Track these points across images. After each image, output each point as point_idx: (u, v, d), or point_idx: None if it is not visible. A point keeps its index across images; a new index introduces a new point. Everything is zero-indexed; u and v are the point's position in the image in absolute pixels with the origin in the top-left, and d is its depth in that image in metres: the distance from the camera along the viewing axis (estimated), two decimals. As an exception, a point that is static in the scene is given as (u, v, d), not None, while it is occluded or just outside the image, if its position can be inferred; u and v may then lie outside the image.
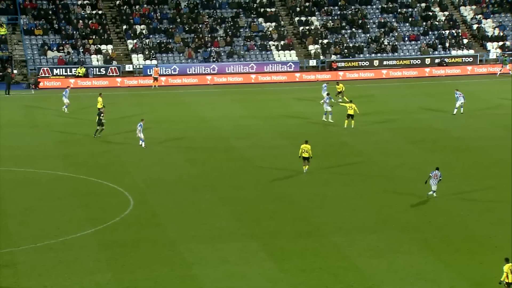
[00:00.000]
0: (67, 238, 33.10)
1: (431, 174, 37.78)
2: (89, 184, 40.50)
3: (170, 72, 69.47)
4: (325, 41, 73.75)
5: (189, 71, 70.05)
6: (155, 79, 66.56)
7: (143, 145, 46.67)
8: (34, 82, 66.36)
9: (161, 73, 68.25)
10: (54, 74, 67.69)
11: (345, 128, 50.88)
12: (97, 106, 52.77)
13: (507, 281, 27.07)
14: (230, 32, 73.62)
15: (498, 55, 73.25)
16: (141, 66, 69.70)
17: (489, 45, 74.57)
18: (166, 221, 35.40)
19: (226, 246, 32.44)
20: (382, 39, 74.13)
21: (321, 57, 72.41)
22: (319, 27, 75.37)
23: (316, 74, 69.87)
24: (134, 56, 70.93)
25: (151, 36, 72.77)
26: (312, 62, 71.93)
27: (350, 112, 50.24)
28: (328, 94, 54.73)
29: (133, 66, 69.93)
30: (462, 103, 54.62)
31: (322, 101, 54.28)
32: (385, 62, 71.97)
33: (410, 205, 37.17)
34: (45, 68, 67.85)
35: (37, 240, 32.85)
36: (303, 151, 41.37)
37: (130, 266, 30.44)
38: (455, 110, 54.85)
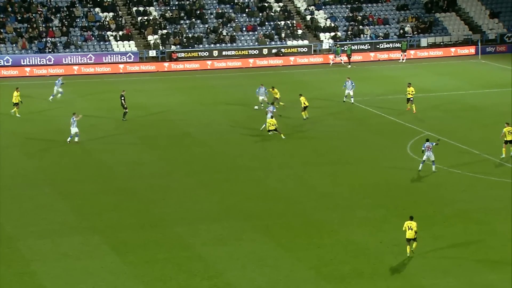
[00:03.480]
0: None
1: (423, 148, 39.98)
2: None
3: (3, 64, 66.73)
4: (164, 31, 73.52)
5: (24, 62, 67.60)
6: (-13, 70, 63.83)
7: (76, 139, 45.36)
8: None
9: (-6, 64, 65.60)
10: None
11: (304, 119, 51.14)
12: (13, 100, 51.55)
13: (406, 237, 29.67)
14: (66, 22, 71.70)
15: (330, 45, 75.97)
16: (-29, 57, 66.55)
17: (322, 35, 77.17)
18: (2, 217, 34.10)
19: (66, 240, 31.74)
20: (221, 30, 74.85)
21: (161, 47, 72.12)
22: (157, 17, 74.97)
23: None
24: (-37, 46, 67.61)
25: (-19, 25, 69.61)
26: (152, 53, 71.49)
27: (306, 104, 51.61)
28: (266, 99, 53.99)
29: (-38, 57, 66.65)
30: (350, 90, 55.78)
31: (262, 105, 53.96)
32: (224, 53, 72.75)
33: (252, 194, 37.89)
34: None
35: None
36: (270, 124, 46.65)
37: (-36, 267, 29.13)
38: (345, 98, 56.13)
